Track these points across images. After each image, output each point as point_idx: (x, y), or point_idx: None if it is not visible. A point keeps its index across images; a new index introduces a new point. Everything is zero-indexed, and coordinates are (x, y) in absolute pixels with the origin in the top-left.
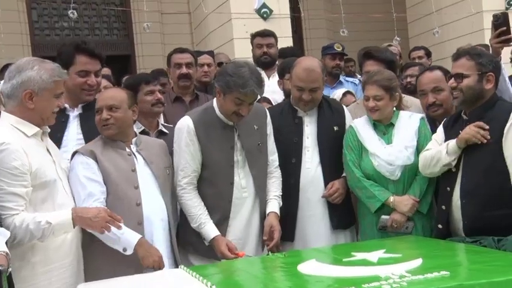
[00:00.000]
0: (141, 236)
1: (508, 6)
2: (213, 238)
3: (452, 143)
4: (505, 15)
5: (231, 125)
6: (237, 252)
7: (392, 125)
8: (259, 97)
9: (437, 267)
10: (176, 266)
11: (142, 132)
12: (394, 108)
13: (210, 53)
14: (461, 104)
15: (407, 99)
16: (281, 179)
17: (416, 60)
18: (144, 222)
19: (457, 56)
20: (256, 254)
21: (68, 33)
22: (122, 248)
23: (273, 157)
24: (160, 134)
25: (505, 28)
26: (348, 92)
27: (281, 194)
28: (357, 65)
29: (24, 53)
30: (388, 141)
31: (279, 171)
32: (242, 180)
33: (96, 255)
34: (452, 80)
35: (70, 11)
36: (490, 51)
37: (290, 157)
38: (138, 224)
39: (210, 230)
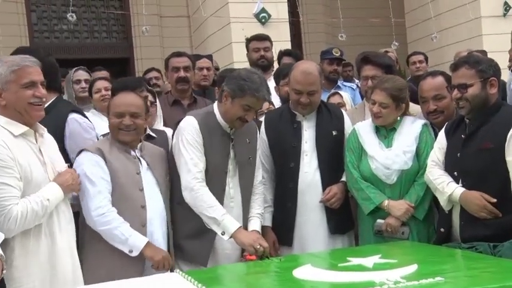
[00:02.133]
0: (147, 239)
1: (505, 13)
2: (238, 228)
3: (457, 194)
4: None
5: (228, 133)
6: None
7: (394, 129)
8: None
9: (433, 273)
10: (171, 269)
11: None
12: (398, 117)
13: (209, 57)
14: (468, 113)
15: (412, 107)
16: (264, 196)
17: (417, 65)
18: (147, 224)
19: (455, 66)
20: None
21: (67, 35)
22: (128, 250)
23: (258, 172)
24: (148, 138)
25: None
26: (336, 93)
27: (263, 211)
28: (355, 69)
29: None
30: (388, 145)
31: (262, 187)
32: (231, 190)
33: (96, 260)
34: (456, 91)
35: (69, 14)
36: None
37: (288, 161)
38: (142, 226)
39: (232, 221)
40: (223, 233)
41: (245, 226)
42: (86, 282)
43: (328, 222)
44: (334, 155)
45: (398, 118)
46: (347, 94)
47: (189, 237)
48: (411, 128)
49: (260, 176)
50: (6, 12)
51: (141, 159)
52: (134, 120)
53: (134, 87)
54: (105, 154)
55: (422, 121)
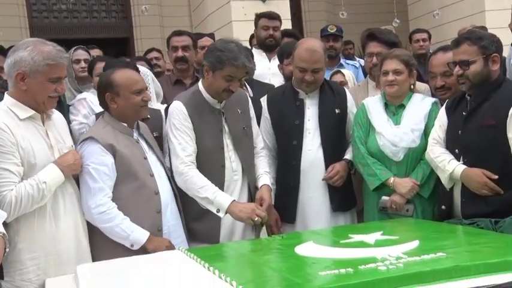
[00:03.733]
0: (149, 233)
1: None
2: (232, 203)
3: (458, 172)
4: None
5: (218, 109)
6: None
7: (403, 106)
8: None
9: (434, 249)
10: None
11: None
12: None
13: (211, 36)
14: (469, 90)
15: (418, 85)
16: (268, 158)
17: (420, 43)
18: (162, 210)
19: (457, 42)
20: (245, 237)
21: (66, 15)
22: (129, 244)
23: (258, 139)
24: (143, 119)
25: None
26: (338, 71)
27: (270, 171)
28: (356, 47)
29: (22, 36)
30: (397, 122)
31: (265, 151)
32: (233, 163)
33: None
34: (457, 68)
35: None
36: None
37: (291, 139)
38: (157, 213)
39: (224, 196)
40: (218, 211)
41: (251, 194)
42: (98, 259)
43: (330, 200)
44: (337, 133)
45: (409, 93)
46: (350, 72)
47: (197, 219)
48: (420, 105)
49: (261, 142)
50: None
51: (140, 139)
52: (146, 95)
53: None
54: (115, 146)
55: (432, 99)
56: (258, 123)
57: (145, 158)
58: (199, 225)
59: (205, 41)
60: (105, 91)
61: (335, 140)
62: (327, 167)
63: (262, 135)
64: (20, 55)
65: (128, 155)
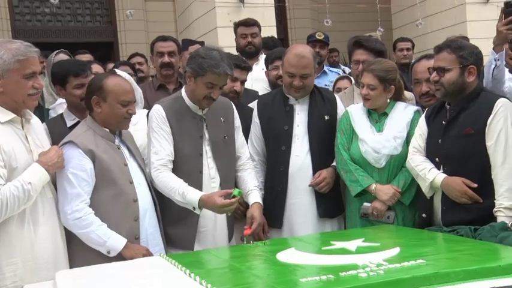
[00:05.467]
0: (126, 240)
1: None
2: (200, 198)
3: (438, 180)
4: None
5: (200, 115)
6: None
7: (386, 114)
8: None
9: (414, 256)
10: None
11: (76, 124)
12: (388, 100)
13: (202, 44)
14: (443, 97)
15: (407, 94)
16: (255, 170)
17: (404, 52)
18: (140, 217)
19: (438, 49)
20: (224, 244)
21: (50, 19)
22: (106, 251)
23: (243, 149)
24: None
25: None
26: (346, 76)
27: (258, 184)
28: (341, 55)
29: (5, 38)
30: (379, 130)
31: (251, 162)
32: (211, 170)
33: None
34: (434, 74)
35: None
36: (496, 38)
37: (280, 145)
38: (135, 220)
39: (194, 193)
40: (194, 208)
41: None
42: (75, 265)
43: (317, 206)
44: (326, 139)
45: (389, 101)
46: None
47: (172, 223)
48: (403, 113)
49: (247, 152)
50: None
51: (121, 146)
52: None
53: (77, 74)
54: (94, 151)
55: (415, 107)
56: (244, 130)
57: (126, 165)
58: (176, 231)
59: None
60: (93, 93)
61: (323, 146)
62: (314, 172)
63: (252, 140)
64: None
65: (107, 161)
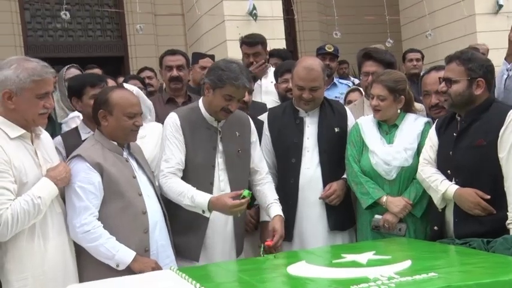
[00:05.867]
0: (135, 253)
1: (498, 9)
2: (210, 200)
3: (451, 192)
4: None
5: (215, 127)
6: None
7: (396, 126)
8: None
9: (426, 269)
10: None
11: None
12: (399, 111)
13: (212, 57)
14: (450, 108)
15: (417, 106)
16: (274, 184)
17: (414, 62)
18: (150, 230)
19: (449, 59)
20: (230, 258)
21: (62, 34)
22: (115, 264)
23: (262, 164)
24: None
25: None
26: (357, 88)
27: (278, 197)
28: (351, 67)
29: (17, 54)
30: (390, 141)
31: (270, 176)
32: (221, 183)
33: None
34: (442, 84)
35: (63, 12)
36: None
37: (290, 157)
38: (144, 233)
39: (203, 196)
40: (203, 212)
41: (238, 216)
42: (84, 279)
43: (327, 219)
44: (336, 152)
45: (399, 112)
46: None
47: (179, 233)
48: (413, 125)
49: (266, 167)
50: None
51: (130, 158)
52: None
53: (94, 84)
54: (102, 165)
55: (425, 119)
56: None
57: (135, 177)
58: (181, 239)
59: (207, 62)
60: (100, 107)
61: (334, 158)
62: (325, 185)
63: (262, 153)
64: (4, 74)
65: (115, 174)
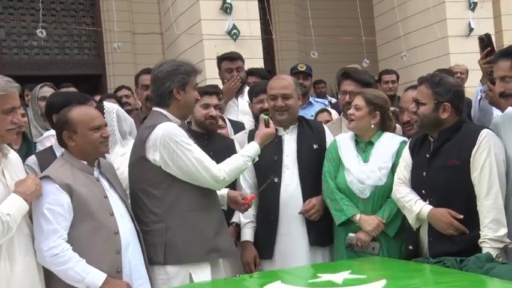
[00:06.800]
0: (106, 275)
1: (469, 31)
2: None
3: (424, 212)
4: (488, 37)
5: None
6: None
7: (372, 143)
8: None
9: None
10: (151, 282)
11: None
12: (372, 126)
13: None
14: (420, 128)
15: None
16: None
17: (389, 85)
18: (122, 250)
19: (420, 81)
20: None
21: (38, 52)
22: (85, 287)
23: None
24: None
25: (489, 48)
26: (325, 109)
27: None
28: (328, 86)
29: None
30: (366, 159)
31: None
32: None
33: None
34: (413, 105)
35: (39, 30)
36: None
37: (270, 175)
38: (117, 253)
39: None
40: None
41: None
42: None
43: (308, 234)
44: (315, 169)
45: (372, 128)
46: (335, 112)
47: (217, 234)
48: (389, 144)
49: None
50: None
51: (101, 177)
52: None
53: (82, 102)
54: (72, 185)
55: (401, 138)
56: None
57: (106, 197)
58: (221, 239)
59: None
60: (63, 129)
61: (313, 175)
62: (305, 201)
63: (243, 174)
64: None
65: (85, 194)
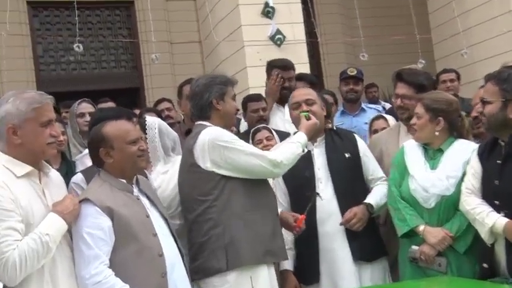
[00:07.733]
0: None
1: None
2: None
3: (500, 225)
4: None
5: None
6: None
7: (442, 151)
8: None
9: None
10: None
11: None
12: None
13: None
14: (487, 131)
15: None
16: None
17: (447, 84)
18: (167, 273)
19: (487, 78)
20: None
21: (75, 67)
22: None
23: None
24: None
25: None
26: (381, 116)
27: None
28: (380, 90)
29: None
30: (434, 167)
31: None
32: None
33: None
34: (479, 105)
35: (76, 45)
36: None
37: (304, 191)
38: (162, 277)
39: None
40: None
41: None
42: None
43: (351, 248)
44: (350, 178)
45: (443, 137)
46: (393, 118)
47: (273, 236)
48: (460, 152)
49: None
50: (11, 46)
51: (140, 196)
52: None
53: (130, 118)
54: (113, 208)
55: (475, 146)
56: None
57: (148, 216)
58: (276, 240)
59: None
60: (98, 146)
61: (349, 186)
62: (343, 214)
63: (277, 195)
64: (4, 109)
65: (127, 215)
